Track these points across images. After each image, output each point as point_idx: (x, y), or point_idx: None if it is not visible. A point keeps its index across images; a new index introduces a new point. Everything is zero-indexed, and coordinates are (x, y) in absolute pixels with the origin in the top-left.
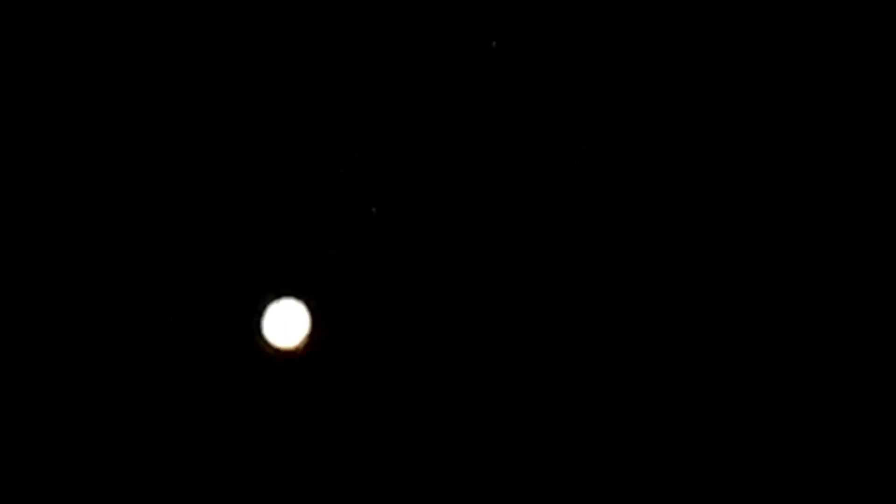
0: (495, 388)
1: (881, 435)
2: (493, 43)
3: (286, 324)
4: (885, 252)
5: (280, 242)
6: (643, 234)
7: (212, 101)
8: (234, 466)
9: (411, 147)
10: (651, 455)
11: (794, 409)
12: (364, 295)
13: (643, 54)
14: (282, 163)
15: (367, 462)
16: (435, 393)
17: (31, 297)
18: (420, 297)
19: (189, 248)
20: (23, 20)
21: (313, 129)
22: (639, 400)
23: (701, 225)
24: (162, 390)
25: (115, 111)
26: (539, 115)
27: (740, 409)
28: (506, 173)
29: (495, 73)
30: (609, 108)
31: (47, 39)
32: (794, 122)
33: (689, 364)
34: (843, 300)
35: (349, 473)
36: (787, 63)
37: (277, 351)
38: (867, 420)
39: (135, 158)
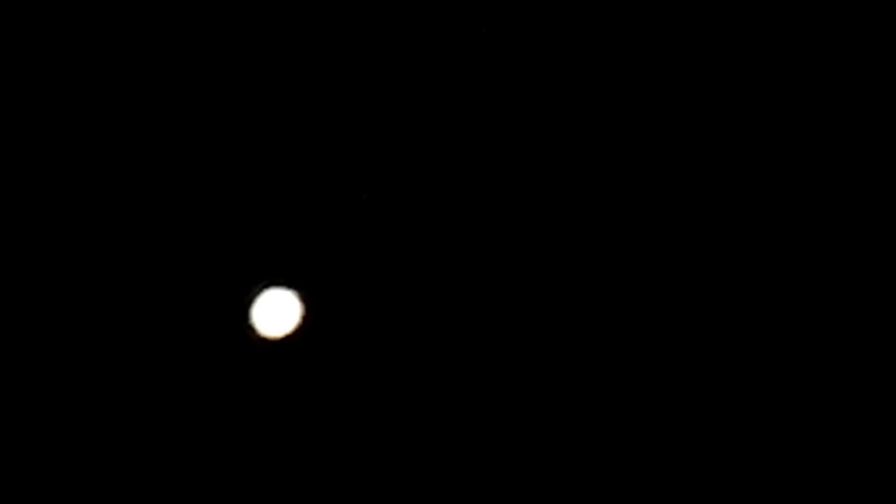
0: (494, 387)
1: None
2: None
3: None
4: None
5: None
6: (643, 234)
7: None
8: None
9: (411, 147)
10: (651, 454)
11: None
12: (362, 294)
13: (643, 54)
14: (284, 163)
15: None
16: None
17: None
18: (420, 296)
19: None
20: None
21: (313, 129)
22: (638, 399)
23: (700, 225)
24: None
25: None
26: (539, 114)
27: (740, 408)
28: (506, 173)
29: (496, 72)
30: (609, 108)
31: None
32: (793, 122)
33: (689, 363)
34: (843, 300)
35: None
36: (786, 63)
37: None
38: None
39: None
